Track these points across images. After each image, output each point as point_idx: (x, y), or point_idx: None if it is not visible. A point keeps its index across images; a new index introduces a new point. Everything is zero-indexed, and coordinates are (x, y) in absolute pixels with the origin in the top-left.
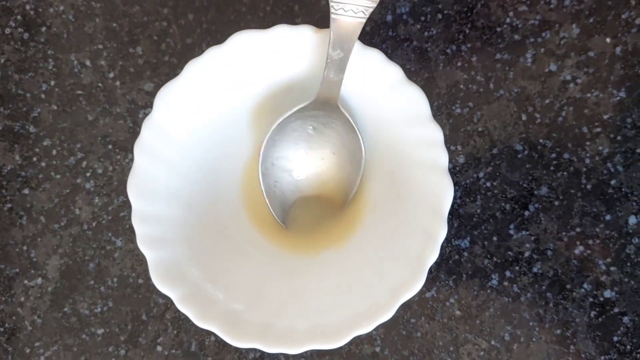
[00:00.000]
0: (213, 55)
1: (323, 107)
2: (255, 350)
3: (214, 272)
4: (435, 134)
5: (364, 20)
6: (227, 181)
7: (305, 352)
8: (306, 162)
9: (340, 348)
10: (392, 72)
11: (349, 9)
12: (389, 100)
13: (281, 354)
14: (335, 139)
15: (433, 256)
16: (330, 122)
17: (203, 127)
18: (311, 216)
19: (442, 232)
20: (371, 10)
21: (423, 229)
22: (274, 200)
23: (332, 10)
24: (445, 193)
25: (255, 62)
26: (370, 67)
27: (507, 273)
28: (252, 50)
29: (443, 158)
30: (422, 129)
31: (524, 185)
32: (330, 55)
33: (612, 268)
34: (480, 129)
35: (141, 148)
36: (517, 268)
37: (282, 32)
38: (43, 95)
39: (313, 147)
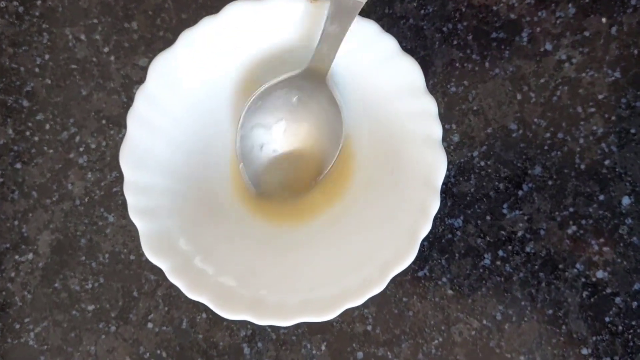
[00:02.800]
0: (207, 25)
1: (311, 79)
2: (246, 327)
3: (205, 244)
4: (429, 106)
5: (361, 1)
6: (219, 153)
7: (297, 329)
8: (286, 131)
9: (332, 326)
10: (387, 43)
11: None
12: (384, 71)
13: (271, 331)
14: (318, 112)
15: (425, 229)
16: (316, 95)
17: (196, 97)
18: (284, 183)
19: (435, 205)
20: None
21: (416, 202)
22: (249, 164)
23: None
24: (438, 166)
25: (249, 32)
26: (365, 38)
27: (500, 252)
28: (246, 20)
29: (437, 130)
30: (416, 101)
31: (518, 164)
32: (326, 28)
33: (605, 248)
34: (475, 108)
35: (134, 118)
36: (509, 247)
37: (276, 3)
38: (37, 69)
39: (295, 117)
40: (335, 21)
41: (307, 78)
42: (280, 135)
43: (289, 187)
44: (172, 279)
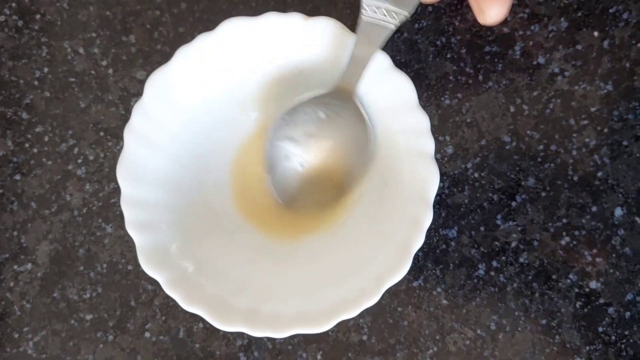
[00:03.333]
0: (203, 42)
1: (339, 97)
2: (242, 337)
3: (202, 256)
4: (421, 121)
5: (391, 26)
6: (215, 166)
7: (292, 340)
8: (313, 146)
9: (328, 335)
10: (380, 59)
11: (380, 12)
12: (377, 87)
13: (267, 341)
14: (345, 129)
15: (418, 242)
16: (344, 113)
17: (192, 112)
18: (310, 199)
19: (428, 218)
20: (403, 19)
21: (409, 215)
22: (276, 178)
23: (361, 9)
24: (431, 180)
25: (244, 48)
26: None
27: (494, 263)
28: (242, 37)
29: (429, 145)
30: (409, 117)
31: (512, 176)
32: (354, 52)
33: (597, 259)
34: (468, 120)
35: (131, 133)
36: (503, 258)
37: (271, 20)
38: (36, 82)
39: (322, 133)
40: (363, 45)
41: (335, 97)
42: (307, 149)
43: (312, 201)
44: (169, 291)
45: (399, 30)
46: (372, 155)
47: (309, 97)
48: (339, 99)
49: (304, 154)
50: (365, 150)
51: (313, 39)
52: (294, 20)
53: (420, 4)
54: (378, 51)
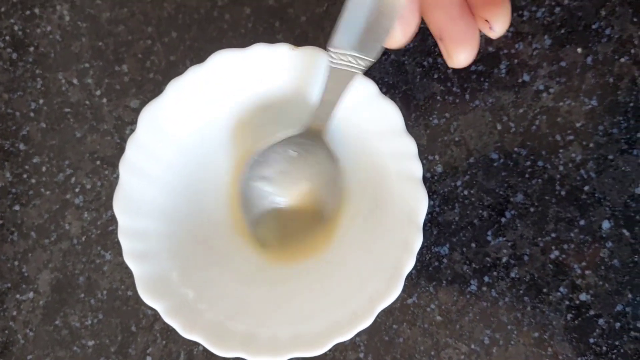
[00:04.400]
0: (194, 74)
1: (310, 137)
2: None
3: (199, 283)
4: (409, 146)
5: (357, 72)
6: (210, 194)
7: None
8: (286, 184)
9: (325, 355)
10: (367, 87)
11: (346, 59)
12: (364, 114)
13: None
14: (317, 167)
15: (409, 265)
16: (315, 151)
17: (186, 143)
18: (283, 232)
19: (418, 242)
20: (368, 64)
21: (400, 238)
22: (251, 217)
23: (330, 59)
24: (420, 203)
25: (235, 79)
26: None
27: (486, 278)
28: (231, 68)
29: (417, 169)
30: (397, 142)
31: (500, 192)
32: (323, 96)
33: (587, 272)
34: (456, 139)
35: (126, 166)
36: (495, 273)
37: (260, 51)
38: (32, 114)
39: (295, 171)
40: (332, 89)
41: (306, 136)
42: (280, 187)
43: (287, 237)
44: (168, 319)
45: (385, 53)
46: (343, 188)
47: (280, 138)
48: (311, 138)
49: (276, 193)
50: (337, 183)
51: (301, 68)
52: (282, 51)
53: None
54: (364, 78)
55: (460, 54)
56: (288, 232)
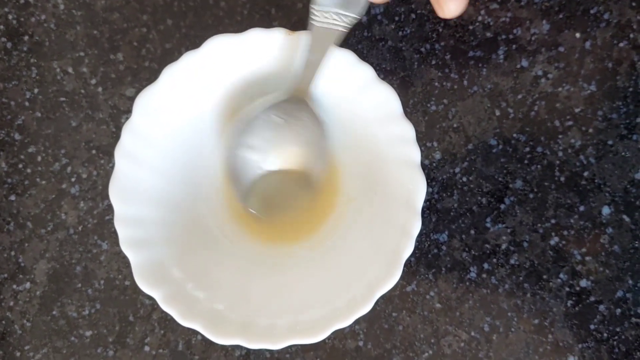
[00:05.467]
0: (189, 60)
1: (294, 101)
2: (241, 348)
3: (196, 271)
4: (407, 131)
5: (342, 29)
6: (206, 181)
7: (290, 348)
8: (273, 151)
9: (325, 343)
10: (364, 72)
11: (330, 17)
12: (362, 99)
13: (265, 350)
14: (302, 131)
15: (408, 250)
16: (300, 116)
17: (181, 129)
18: (273, 201)
19: (417, 227)
20: (353, 21)
21: (398, 224)
22: (239, 184)
23: (311, 16)
24: (418, 188)
25: (230, 64)
26: (343, 68)
27: (485, 265)
28: (227, 54)
29: (415, 154)
30: (395, 127)
31: (499, 179)
32: (306, 56)
33: (587, 258)
34: (455, 125)
35: (121, 153)
36: (494, 260)
37: (255, 36)
38: (27, 103)
39: (281, 137)
40: (316, 49)
41: (290, 101)
42: (267, 155)
43: (278, 205)
44: (165, 307)
45: (383, 39)
46: (328, 149)
47: (264, 104)
48: (295, 103)
49: (264, 161)
50: (323, 149)
51: (295, 51)
52: (278, 36)
53: (403, 12)
54: (361, 64)
55: (450, 3)
56: (279, 200)
